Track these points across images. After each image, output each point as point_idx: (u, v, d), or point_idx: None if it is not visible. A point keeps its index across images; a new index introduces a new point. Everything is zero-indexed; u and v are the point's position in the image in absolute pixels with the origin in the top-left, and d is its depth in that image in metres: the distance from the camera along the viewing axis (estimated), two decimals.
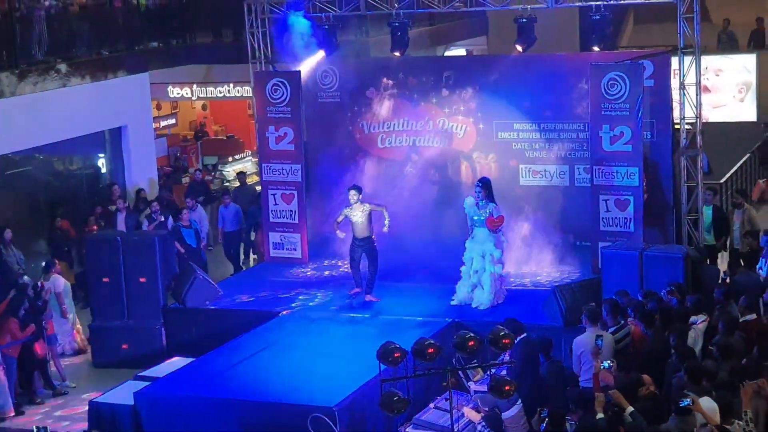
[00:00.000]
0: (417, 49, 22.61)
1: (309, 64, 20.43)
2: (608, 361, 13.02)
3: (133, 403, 14.72)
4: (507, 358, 13.60)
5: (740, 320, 13.93)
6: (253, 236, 22.44)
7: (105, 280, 18.14)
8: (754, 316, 14.16)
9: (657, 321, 13.97)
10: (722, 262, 19.70)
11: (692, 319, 14.15)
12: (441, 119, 20.35)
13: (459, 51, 31.33)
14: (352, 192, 17.66)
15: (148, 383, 15.20)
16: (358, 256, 17.73)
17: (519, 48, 19.55)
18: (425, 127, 20.46)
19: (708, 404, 11.46)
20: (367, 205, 17.64)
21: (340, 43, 20.69)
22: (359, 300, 17.84)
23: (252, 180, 26.56)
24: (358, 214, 17.54)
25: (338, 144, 20.90)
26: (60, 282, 18.49)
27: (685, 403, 11.19)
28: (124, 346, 18.02)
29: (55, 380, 17.42)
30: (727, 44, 29.61)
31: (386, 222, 17.62)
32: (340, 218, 17.71)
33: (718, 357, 12.76)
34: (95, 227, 20.68)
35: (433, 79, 20.32)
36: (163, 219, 21.06)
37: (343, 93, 20.74)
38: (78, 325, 19.05)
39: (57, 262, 18.98)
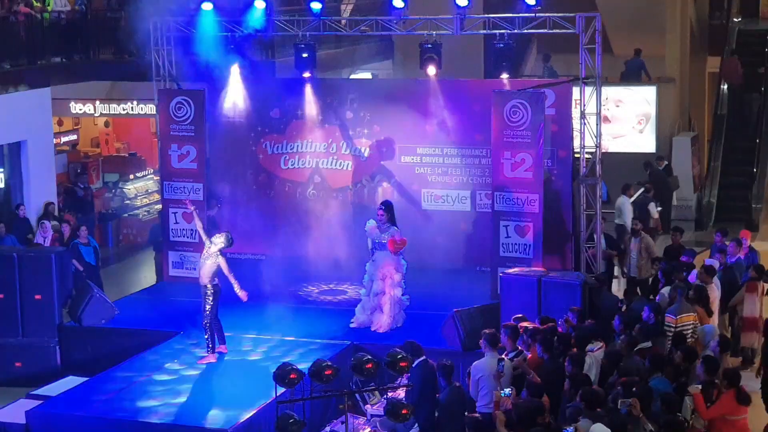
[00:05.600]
0: (323, 71, 22.62)
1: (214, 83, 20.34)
2: (508, 389, 13.11)
3: (25, 422, 14.47)
4: (405, 381, 13.61)
5: (636, 347, 14.12)
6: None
7: None
8: (649, 343, 14.35)
9: (555, 347, 14.09)
10: (619, 289, 19.98)
11: (589, 346, 14.30)
12: (344, 142, 20.40)
13: (365, 74, 31.40)
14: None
15: (41, 402, 14.98)
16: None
17: (425, 73, 19.64)
18: (329, 149, 20.51)
19: (602, 429, 11.61)
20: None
21: (245, 64, 20.61)
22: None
23: (154, 198, 26.31)
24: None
25: (241, 164, 20.83)
26: None
27: (567, 431, 11.34)
28: (18, 364, 17.68)
29: None
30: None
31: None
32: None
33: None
34: None
35: (338, 102, 20.39)
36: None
37: (247, 113, 20.67)
38: None
39: None
